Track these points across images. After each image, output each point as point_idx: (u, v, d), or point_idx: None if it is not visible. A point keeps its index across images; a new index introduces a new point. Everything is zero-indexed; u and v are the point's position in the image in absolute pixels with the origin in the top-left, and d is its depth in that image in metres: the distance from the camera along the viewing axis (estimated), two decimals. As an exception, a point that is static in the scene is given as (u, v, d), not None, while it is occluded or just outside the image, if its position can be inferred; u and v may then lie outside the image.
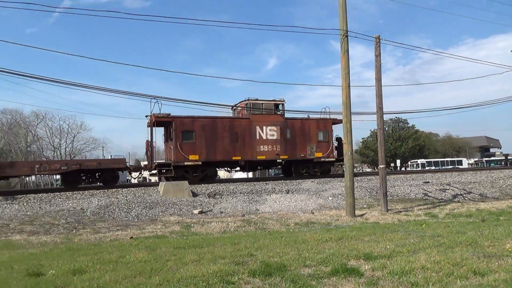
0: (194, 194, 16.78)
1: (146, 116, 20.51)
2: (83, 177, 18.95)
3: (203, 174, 20.26)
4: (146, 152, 20.78)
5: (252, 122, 21.15)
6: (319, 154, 22.38)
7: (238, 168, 23.45)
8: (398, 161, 63.56)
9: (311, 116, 23.56)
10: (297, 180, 20.61)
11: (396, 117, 67.70)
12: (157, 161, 20.20)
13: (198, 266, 5.52)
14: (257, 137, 21.16)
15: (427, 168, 50.57)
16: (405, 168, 61.59)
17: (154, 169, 19.52)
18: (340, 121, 23.09)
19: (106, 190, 16.65)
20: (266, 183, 19.37)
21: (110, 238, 9.56)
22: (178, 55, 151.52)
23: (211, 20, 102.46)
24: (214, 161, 20.51)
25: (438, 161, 58.48)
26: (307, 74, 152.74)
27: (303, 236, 8.33)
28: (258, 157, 21.17)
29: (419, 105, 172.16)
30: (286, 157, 21.81)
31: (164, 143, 22.43)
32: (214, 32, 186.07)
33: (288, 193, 17.45)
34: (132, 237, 9.58)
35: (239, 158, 20.83)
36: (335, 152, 23.18)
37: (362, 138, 72.14)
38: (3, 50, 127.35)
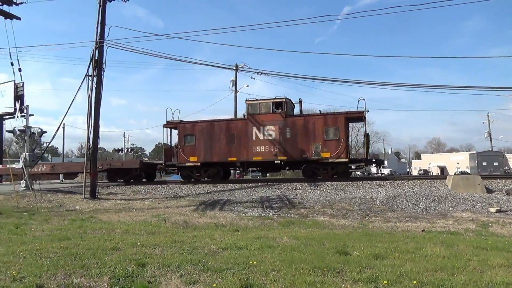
0: (489, 190, 14.98)
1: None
2: (117, 175, 22.99)
3: (205, 174, 21.41)
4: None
5: (248, 123, 20.60)
6: (327, 155, 19.25)
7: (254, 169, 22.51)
8: None
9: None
10: None
11: None
12: (167, 163, 22.00)
13: (509, 272, 5.01)
14: (254, 138, 20.43)
15: None
16: None
17: (164, 169, 22.46)
18: (358, 115, 19.79)
19: (392, 182, 17.16)
20: None
21: (401, 229, 9.85)
22: (457, 39, 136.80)
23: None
24: (211, 162, 21.04)
25: None
26: None
27: None
28: (254, 158, 20.42)
29: None
30: (285, 158, 19.95)
31: None
32: (503, 5, 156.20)
33: None
34: (423, 230, 9.56)
35: (235, 159, 20.74)
36: (365, 151, 19.81)
37: None
38: (299, 59, 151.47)
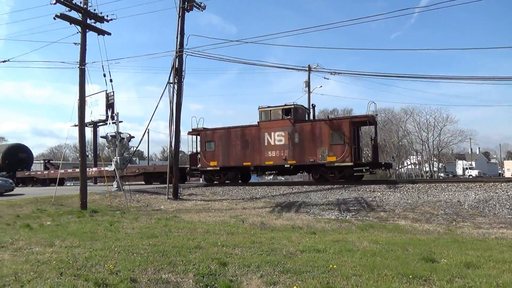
0: None
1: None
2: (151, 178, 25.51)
3: (224, 177, 22.90)
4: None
5: (261, 129, 21.64)
6: (332, 158, 19.62)
7: (275, 172, 23.47)
8: None
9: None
10: None
11: None
12: (192, 167, 23.90)
13: None
14: (265, 143, 21.42)
15: None
16: None
17: (190, 173, 24.37)
18: (365, 120, 19.91)
19: (482, 184, 15.74)
20: None
21: (495, 236, 9.02)
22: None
23: None
24: (228, 167, 22.40)
25: None
26: None
27: None
28: (266, 163, 21.37)
29: None
30: (294, 162, 20.73)
31: None
32: None
33: None
34: (522, 238, 8.65)
35: (249, 163, 21.78)
36: (375, 156, 20.63)
37: None
38: (375, 56, 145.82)
